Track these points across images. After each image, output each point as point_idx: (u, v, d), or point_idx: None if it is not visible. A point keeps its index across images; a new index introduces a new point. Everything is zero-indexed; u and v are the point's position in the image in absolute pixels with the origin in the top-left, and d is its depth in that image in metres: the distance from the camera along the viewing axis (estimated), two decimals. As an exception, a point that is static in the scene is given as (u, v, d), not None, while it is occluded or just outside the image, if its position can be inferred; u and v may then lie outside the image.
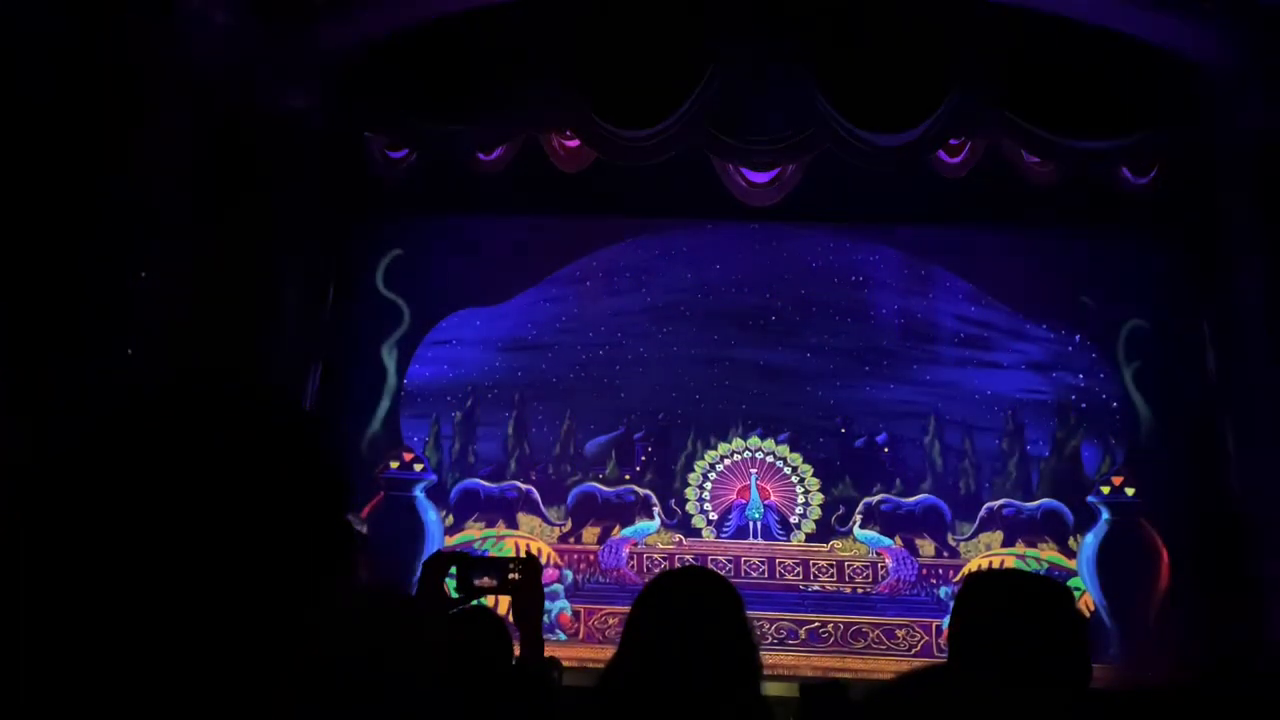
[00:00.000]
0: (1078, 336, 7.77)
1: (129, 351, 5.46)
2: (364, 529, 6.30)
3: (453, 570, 2.23)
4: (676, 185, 7.53)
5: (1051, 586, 1.73)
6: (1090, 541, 7.28)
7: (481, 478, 7.66)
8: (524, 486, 7.60)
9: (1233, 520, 6.78)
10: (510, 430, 7.75)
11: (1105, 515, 7.33)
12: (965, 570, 7.27)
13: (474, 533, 7.56)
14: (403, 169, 7.66)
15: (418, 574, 2.09)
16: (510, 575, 2.18)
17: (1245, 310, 6.82)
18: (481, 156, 7.59)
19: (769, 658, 6.73)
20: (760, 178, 7.69)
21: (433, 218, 7.91)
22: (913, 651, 7.21)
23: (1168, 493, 7.22)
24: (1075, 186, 7.28)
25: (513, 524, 7.57)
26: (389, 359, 7.84)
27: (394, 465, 7.56)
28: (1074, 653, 1.56)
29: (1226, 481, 6.89)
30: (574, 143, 7.59)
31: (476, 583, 2.24)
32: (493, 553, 7.37)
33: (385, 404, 7.76)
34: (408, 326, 7.91)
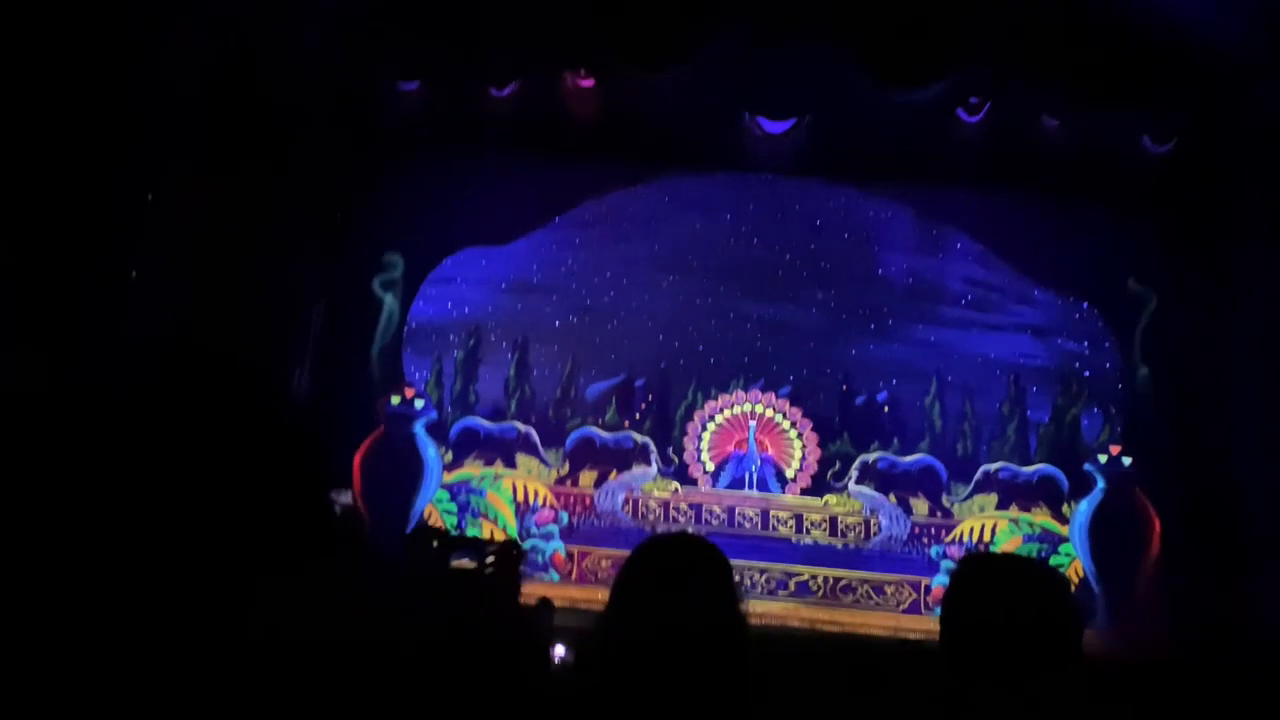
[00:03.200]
0: (1084, 304, 7.73)
1: (132, 273, 5.44)
2: (348, 500, 6.30)
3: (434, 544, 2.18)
4: (690, 132, 7.39)
5: (1049, 574, 1.73)
6: (1084, 508, 7.30)
7: (482, 417, 7.68)
8: (523, 428, 7.61)
9: (1227, 492, 6.82)
10: (512, 372, 7.74)
11: (1100, 483, 7.34)
12: (955, 533, 7.38)
13: (473, 470, 7.60)
14: (412, 103, 7.51)
15: (412, 525, 2.06)
16: (488, 566, 2.20)
17: (1253, 286, 6.79)
18: (494, 92, 7.44)
19: (758, 607, 6.98)
20: (776, 128, 7.53)
21: (441, 156, 7.79)
22: (900, 608, 7.29)
23: (1165, 463, 7.21)
24: (1092, 153, 7.15)
25: (511, 464, 7.60)
26: (392, 296, 7.81)
27: (395, 401, 7.55)
28: (1067, 642, 1.58)
29: (1224, 454, 6.90)
30: (589, 82, 7.44)
31: (454, 563, 2.25)
32: (485, 521, 7.43)
33: (387, 340, 7.74)
34: (412, 264, 7.86)
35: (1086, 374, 7.62)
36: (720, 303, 7.77)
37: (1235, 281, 6.97)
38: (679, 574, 1.59)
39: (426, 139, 7.59)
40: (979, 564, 1.80)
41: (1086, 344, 7.67)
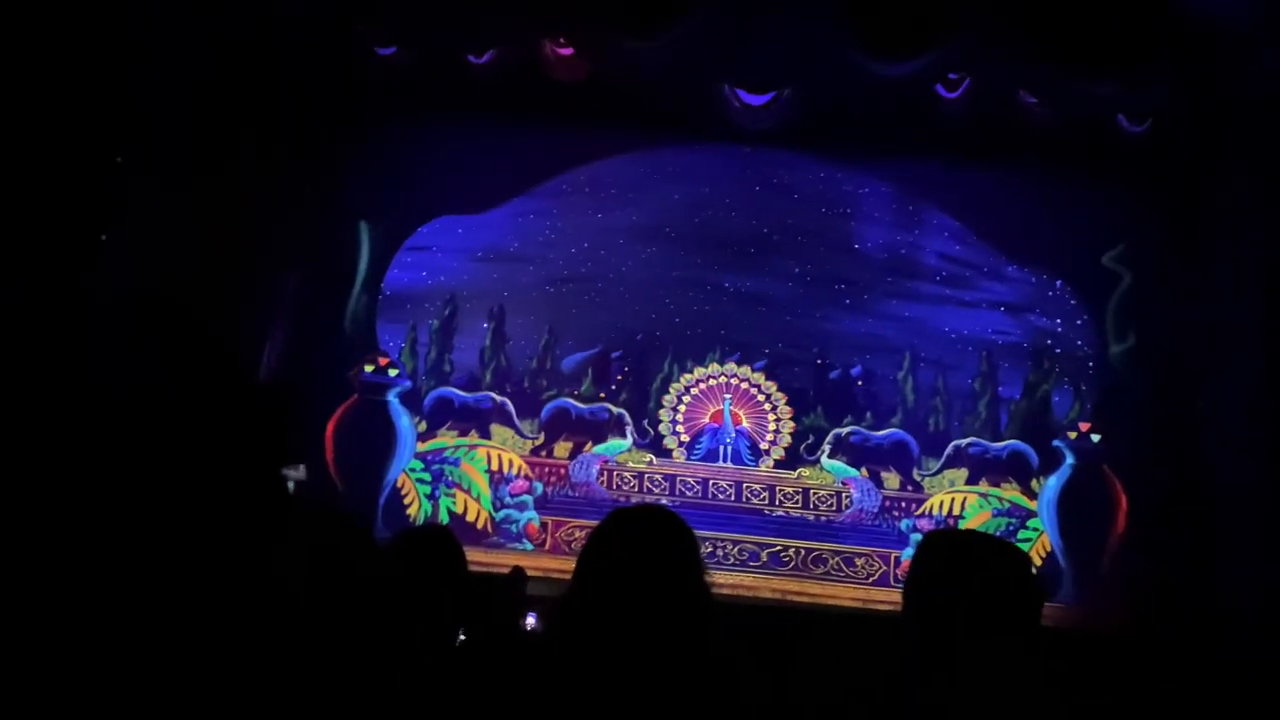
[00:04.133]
0: (1059, 282, 7.76)
1: (102, 237, 5.35)
2: (300, 474, 6.26)
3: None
4: (670, 102, 7.34)
5: (1008, 550, 1.72)
6: (1052, 484, 7.38)
7: (457, 386, 7.63)
8: (499, 398, 7.59)
9: (1197, 470, 6.88)
10: (488, 341, 7.69)
11: (1069, 459, 7.42)
12: (925, 506, 7.46)
13: (447, 440, 7.57)
14: (390, 68, 7.39)
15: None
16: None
17: (1229, 264, 6.80)
18: (472, 59, 7.34)
19: (730, 578, 7.03)
20: (756, 100, 7.47)
21: (419, 123, 7.67)
22: (870, 580, 7.37)
23: (1134, 441, 7.28)
24: (1070, 130, 7.12)
25: (485, 434, 7.57)
26: (368, 263, 7.72)
27: (369, 369, 7.50)
28: (1026, 614, 1.59)
29: (1195, 432, 6.96)
30: (568, 51, 7.36)
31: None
32: (459, 491, 7.41)
33: (361, 308, 7.66)
34: (388, 231, 7.77)
35: (1058, 350, 7.67)
36: (697, 274, 7.75)
37: (1211, 259, 6.98)
38: (644, 546, 1.59)
39: (404, 106, 7.48)
40: (941, 540, 1.83)
41: (1059, 321, 7.71)
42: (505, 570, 4.96)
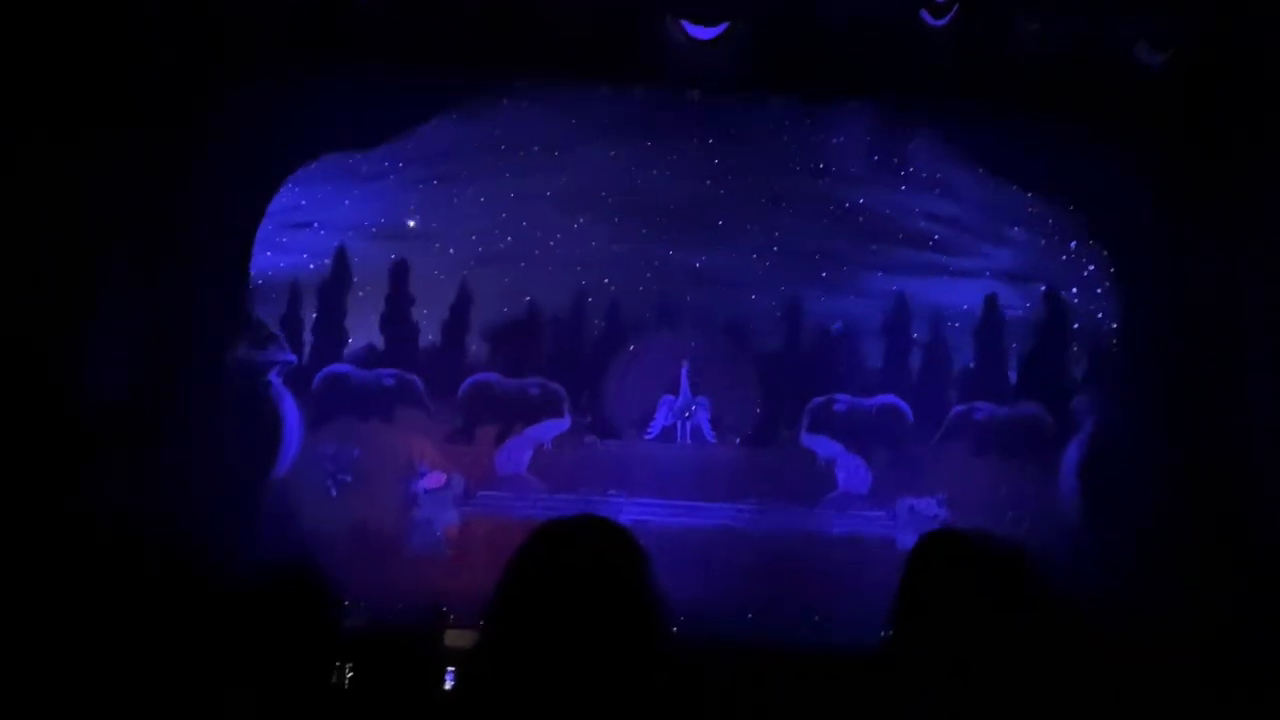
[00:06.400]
0: (1064, 231, 6.88)
1: None
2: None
3: None
4: (599, 38, 6.19)
5: (1018, 561, 1.56)
6: (1071, 451, 6.62)
7: (352, 362, 6.69)
8: (404, 374, 6.68)
9: (1230, 431, 6.27)
10: (386, 305, 6.72)
11: (1088, 422, 6.64)
12: (925, 485, 6.64)
13: (343, 427, 6.58)
14: (261, 8, 6.11)
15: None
16: None
17: (1262, 215, 6.18)
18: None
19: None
20: (705, 34, 6.39)
21: (296, 62, 6.38)
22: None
23: (1159, 405, 6.46)
24: (1079, 66, 6.26)
25: (389, 418, 6.63)
26: (237, 223, 6.46)
27: (245, 346, 6.46)
28: (1031, 634, 1.48)
29: (1230, 392, 6.31)
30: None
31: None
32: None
33: (232, 275, 6.47)
34: (259, 187, 6.51)
35: (1066, 303, 6.88)
36: (639, 248, 6.84)
37: (1241, 211, 6.36)
38: (579, 571, 1.40)
39: (281, 46, 6.23)
40: (935, 545, 1.66)
41: (1075, 290, 6.87)
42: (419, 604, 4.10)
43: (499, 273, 6.74)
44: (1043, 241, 6.88)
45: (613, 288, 6.84)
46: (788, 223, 6.88)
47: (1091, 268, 6.85)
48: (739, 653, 4.84)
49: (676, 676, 1.42)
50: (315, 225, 6.68)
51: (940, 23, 6.38)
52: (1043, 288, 6.88)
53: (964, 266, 6.90)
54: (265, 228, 6.52)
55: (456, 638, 3.92)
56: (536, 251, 6.77)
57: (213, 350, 6.35)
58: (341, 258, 6.69)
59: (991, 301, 6.87)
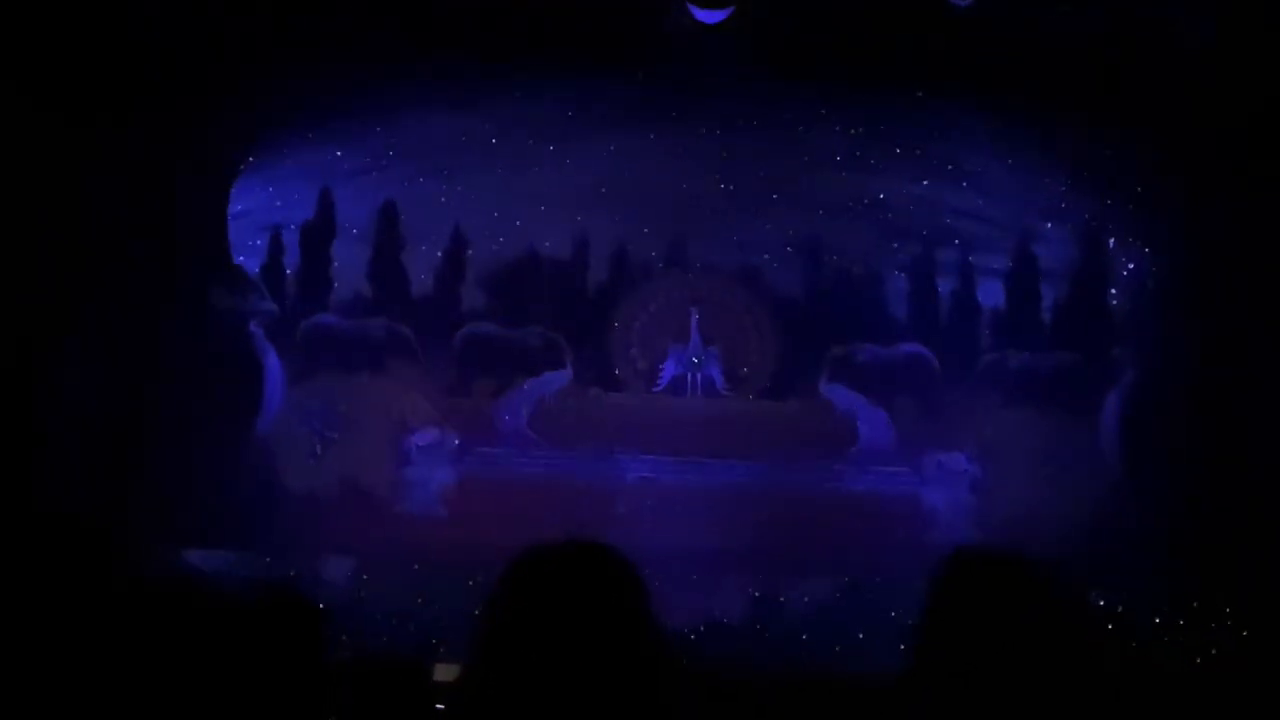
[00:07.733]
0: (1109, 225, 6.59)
1: None
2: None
3: None
4: (603, 25, 5.90)
5: (1057, 583, 1.40)
6: (1112, 400, 6.30)
7: (338, 312, 6.42)
8: (395, 325, 6.39)
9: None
10: (376, 250, 6.44)
11: (1129, 370, 6.30)
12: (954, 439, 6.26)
13: (329, 380, 6.30)
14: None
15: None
16: None
17: None
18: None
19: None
20: (712, 17, 6.02)
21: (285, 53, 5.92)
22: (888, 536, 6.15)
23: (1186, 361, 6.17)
24: (1118, 47, 5.94)
25: (380, 370, 6.34)
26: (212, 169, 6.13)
27: (223, 294, 6.14)
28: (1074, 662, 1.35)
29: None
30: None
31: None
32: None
33: (210, 219, 6.13)
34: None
35: (1111, 244, 6.59)
36: (647, 251, 6.68)
37: None
38: (572, 603, 1.28)
39: (265, 37, 5.81)
40: (963, 566, 1.46)
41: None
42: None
43: (493, 259, 6.55)
44: (1069, 226, 6.59)
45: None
46: (801, 219, 6.60)
47: (1130, 239, 6.55)
48: (750, 674, 4.55)
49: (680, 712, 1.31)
50: (291, 226, 6.45)
51: (965, 3, 5.96)
52: (1070, 268, 6.58)
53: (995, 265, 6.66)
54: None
55: (445, 672, 3.60)
56: (533, 250, 6.59)
57: (193, 298, 6.08)
58: (328, 201, 6.40)
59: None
